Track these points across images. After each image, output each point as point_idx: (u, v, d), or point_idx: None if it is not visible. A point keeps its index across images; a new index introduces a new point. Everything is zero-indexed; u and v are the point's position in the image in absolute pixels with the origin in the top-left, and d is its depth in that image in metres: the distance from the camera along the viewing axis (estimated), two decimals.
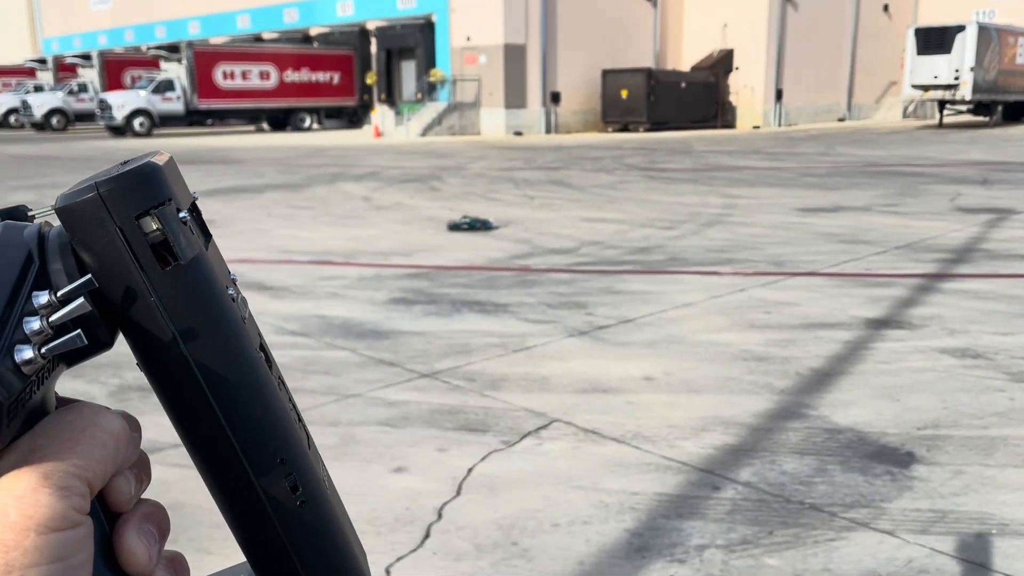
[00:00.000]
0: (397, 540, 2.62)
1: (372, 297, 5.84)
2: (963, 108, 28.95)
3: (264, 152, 21.32)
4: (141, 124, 30.57)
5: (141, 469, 0.38)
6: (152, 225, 0.36)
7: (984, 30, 27.73)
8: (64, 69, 40.19)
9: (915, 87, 28.79)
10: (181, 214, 0.37)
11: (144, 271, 0.36)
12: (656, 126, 30.14)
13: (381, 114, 30.75)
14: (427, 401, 3.83)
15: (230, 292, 0.40)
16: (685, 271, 6.57)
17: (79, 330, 0.35)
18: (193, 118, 32.34)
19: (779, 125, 33.36)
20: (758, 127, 32.59)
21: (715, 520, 2.72)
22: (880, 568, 2.44)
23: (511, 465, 3.16)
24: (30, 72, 44.57)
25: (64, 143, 26.02)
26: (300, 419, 0.43)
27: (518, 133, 29.65)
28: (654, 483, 2.99)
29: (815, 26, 33.81)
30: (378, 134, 29.06)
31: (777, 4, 32.27)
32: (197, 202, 0.40)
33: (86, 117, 34.93)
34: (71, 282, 0.35)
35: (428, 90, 30.73)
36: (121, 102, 30.51)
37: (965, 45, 27.19)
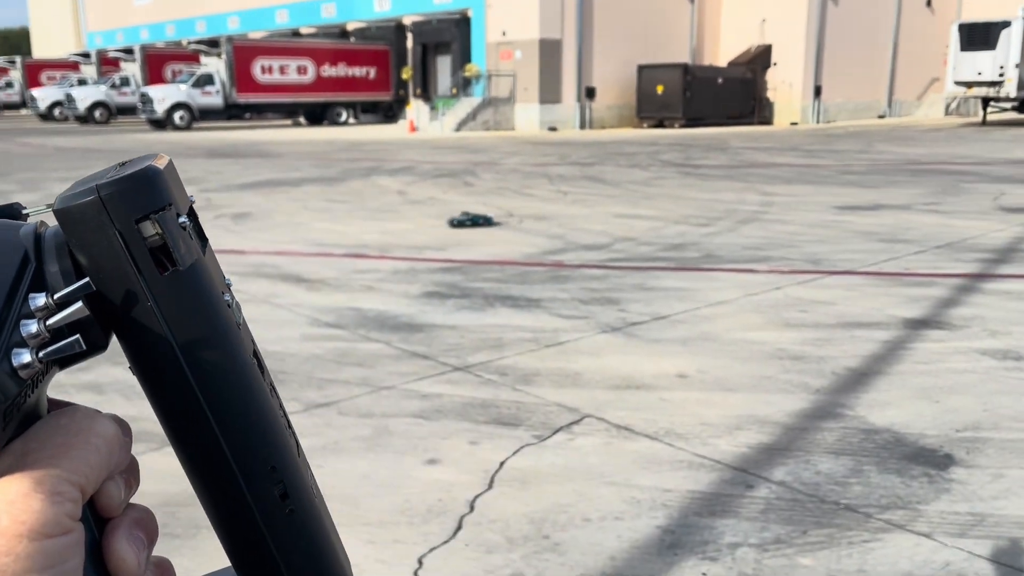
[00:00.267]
0: (430, 531, 2.65)
1: (406, 290, 5.88)
2: (1007, 106, 28.30)
3: (301, 146, 21.52)
4: (181, 117, 31.03)
5: (131, 474, 0.37)
6: (151, 229, 0.36)
7: None
8: (107, 63, 40.96)
9: (958, 84, 28.21)
10: (180, 219, 0.37)
11: (142, 276, 0.36)
12: (692, 122, 29.90)
13: (416, 109, 30.88)
14: (460, 394, 3.85)
15: (226, 298, 0.39)
16: (720, 268, 6.52)
17: (78, 335, 0.35)
18: (232, 112, 32.75)
19: (817, 122, 32.91)
20: (796, 124, 32.18)
21: (748, 519, 2.70)
22: (916, 571, 2.41)
23: (543, 459, 3.17)
24: (74, 66, 45.49)
25: (106, 136, 26.50)
26: (290, 426, 0.43)
27: (552, 128, 29.60)
28: (687, 480, 2.98)
29: (856, 21, 33.28)
30: (413, 129, 29.19)
31: None
32: (194, 206, 0.39)
33: (128, 110, 35.53)
34: (68, 284, 0.35)
35: (463, 85, 30.79)
36: (162, 96, 31.00)
37: (1010, 41, 26.58)
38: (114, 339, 0.38)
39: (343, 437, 3.37)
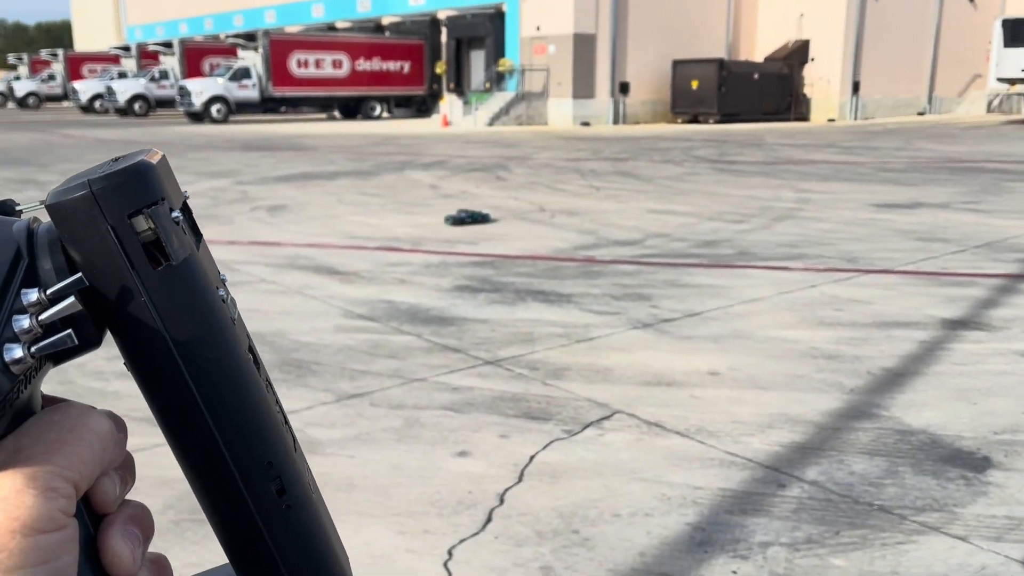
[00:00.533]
0: (460, 522, 2.66)
1: (438, 284, 5.90)
2: None
3: (335, 140, 21.68)
4: (218, 110, 31.41)
5: (126, 470, 0.37)
6: (144, 224, 0.35)
7: None
8: (147, 56, 41.55)
9: (1001, 80, 27.63)
10: (174, 214, 0.37)
11: (135, 270, 0.36)
12: (727, 118, 29.62)
13: (449, 103, 30.94)
14: (490, 388, 3.86)
15: (220, 293, 0.39)
16: (754, 266, 6.46)
17: (70, 330, 0.34)
18: (267, 105, 33.08)
19: (855, 118, 32.43)
20: (833, 120, 31.74)
21: (780, 518, 2.68)
22: (951, 574, 2.37)
23: (573, 454, 3.17)
24: (115, 59, 46.22)
25: (145, 128, 26.92)
26: (287, 422, 0.43)
27: (585, 123, 29.50)
28: (717, 478, 2.96)
29: (896, 16, 32.71)
30: (446, 123, 29.26)
31: None
32: (188, 201, 0.39)
33: (166, 103, 36.05)
34: (60, 280, 0.35)
35: (496, 80, 30.79)
36: (200, 89, 31.40)
37: None
38: (108, 335, 0.38)
39: (375, 428, 3.40)
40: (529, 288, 5.77)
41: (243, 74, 32.10)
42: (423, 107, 36.69)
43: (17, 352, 0.32)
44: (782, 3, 32.67)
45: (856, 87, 32.38)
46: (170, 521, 2.63)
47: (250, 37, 35.06)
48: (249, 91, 32.22)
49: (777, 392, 3.81)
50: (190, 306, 0.37)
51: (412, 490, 2.88)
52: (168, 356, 0.37)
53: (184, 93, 31.51)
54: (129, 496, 0.38)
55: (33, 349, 0.33)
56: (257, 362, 0.41)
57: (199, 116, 31.28)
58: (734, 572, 2.39)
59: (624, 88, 30.24)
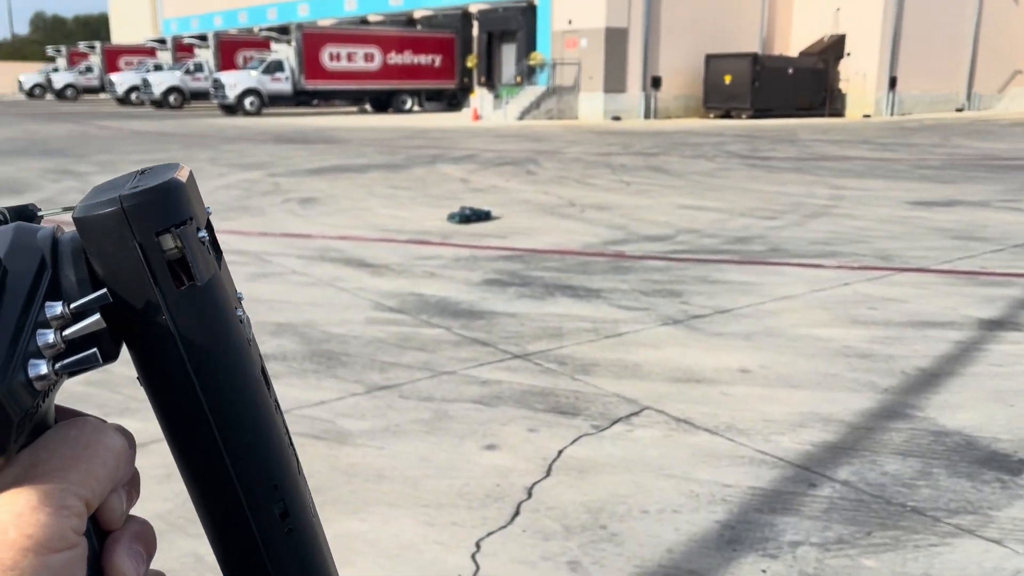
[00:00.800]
0: (487, 515, 2.67)
1: (467, 277, 5.91)
2: None
3: (366, 133, 21.79)
4: (251, 103, 31.70)
5: (132, 486, 0.37)
6: (171, 243, 0.35)
7: None
8: (182, 49, 42.05)
9: None
10: (200, 233, 0.37)
11: (159, 289, 0.36)
12: (760, 113, 29.31)
13: (480, 97, 30.94)
14: (519, 382, 3.87)
15: (239, 313, 0.39)
16: (786, 263, 6.40)
17: (95, 349, 0.34)
18: (300, 98, 33.32)
19: (891, 114, 31.92)
20: (869, 116, 31.28)
21: (810, 517, 2.66)
22: None
23: (601, 450, 3.16)
24: (151, 52, 46.81)
25: (180, 120, 27.25)
26: (291, 443, 0.43)
27: (616, 118, 29.35)
28: (747, 476, 2.94)
29: (935, 10, 32.11)
30: (476, 117, 29.28)
31: None
32: (210, 218, 0.39)
33: (201, 95, 36.44)
34: (83, 293, 0.35)
35: (527, 73, 30.74)
36: (233, 82, 31.70)
37: None
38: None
39: (404, 420, 3.42)
40: (558, 283, 5.76)
41: (276, 67, 32.36)
42: (454, 101, 36.74)
43: (43, 368, 0.32)
44: None
45: (893, 82, 31.86)
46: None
47: (283, 30, 35.34)
48: (282, 84, 32.47)
49: (809, 391, 3.78)
50: (210, 327, 0.37)
51: (440, 482, 2.89)
52: (184, 374, 0.37)
53: (218, 86, 31.84)
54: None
55: (57, 366, 0.33)
56: (268, 383, 0.41)
57: (233, 108, 31.60)
58: (763, 571, 2.37)
59: (656, 82, 30.04)
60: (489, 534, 2.56)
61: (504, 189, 10.75)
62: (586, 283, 5.75)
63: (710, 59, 30.02)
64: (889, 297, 5.37)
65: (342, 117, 31.04)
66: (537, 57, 30.50)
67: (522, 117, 29.12)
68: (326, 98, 34.81)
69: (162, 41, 46.40)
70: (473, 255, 6.69)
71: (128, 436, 0.36)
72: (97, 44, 49.75)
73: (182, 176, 0.37)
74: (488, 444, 3.20)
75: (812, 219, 8.39)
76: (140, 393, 0.38)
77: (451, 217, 8.24)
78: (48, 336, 0.33)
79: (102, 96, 47.80)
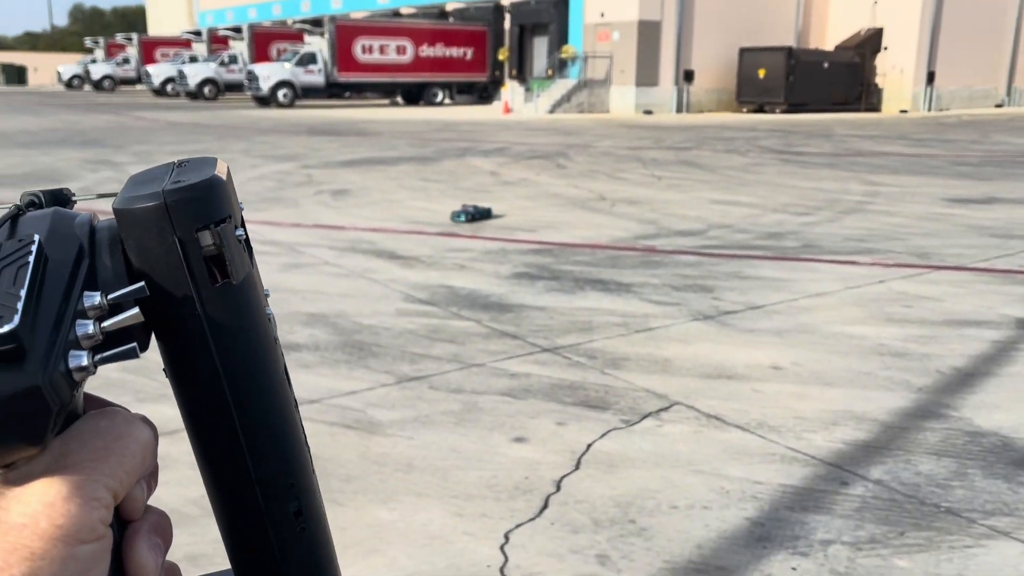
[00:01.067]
0: (516, 507, 2.68)
1: (497, 270, 5.92)
2: None
3: (397, 125, 21.88)
4: (284, 95, 31.96)
5: (152, 476, 0.37)
6: (209, 240, 0.36)
7: None
8: (217, 41, 42.45)
9: None
10: (238, 231, 0.37)
11: (195, 284, 0.36)
12: (794, 107, 28.97)
13: (511, 90, 30.91)
14: (548, 375, 3.87)
15: (268, 311, 0.39)
16: (820, 259, 6.33)
17: (135, 343, 0.34)
18: (332, 90, 33.52)
19: (929, 110, 31.38)
20: (905, 111, 30.78)
21: (842, 516, 2.63)
22: None
23: (630, 444, 3.15)
24: (186, 43, 47.30)
25: (214, 111, 27.54)
26: (306, 442, 0.43)
27: (648, 112, 29.18)
28: (778, 474, 2.92)
29: (975, 4, 31.48)
30: (507, 110, 29.25)
31: None
32: (243, 212, 0.39)
33: (235, 87, 36.80)
34: (119, 284, 0.35)
35: (559, 67, 30.64)
36: (267, 74, 31.98)
37: None
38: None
39: (433, 411, 3.44)
40: (588, 277, 5.75)
41: (309, 59, 32.57)
42: (485, 94, 36.75)
43: (83, 360, 0.32)
44: None
45: (931, 77, 31.31)
46: None
47: (317, 23, 35.53)
48: (315, 76, 32.68)
49: (842, 389, 3.73)
50: (241, 324, 0.38)
51: (470, 473, 2.90)
52: (212, 369, 0.37)
53: (252, 78, 32.13)
54: None
55: (97, 358, 0.33)
56: (288, 382, 0.42)
57: (266, 100, 31.87)
58: (793, 569, 2.36)
59: (688, 76, 29.80)
60: (518, 526, 2.57)
61: (534, 183, 10.73)
62: (616, 277, 5.73)
63: (744, 52, 29.72)
64: (925, 295, 5.29)
65: (374, 110, 31.18)
66: (569, 50, 30.40)
67: (553, 110, 29.05)
68: (358, 90, 34.99)
69: (197, 33, 46.85)
70: (503, 248, 6.69)
71: (153, 428, 0.37)
72: (134, 36, 50.39)
73: (221, 172, 0.37)
74: (517, 436, 3.21)
75: (846, 215, 8.28)
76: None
77: (456, 216, 7.80)
78: (88, 327, 0.33)
79: (138, 87, 48.46)
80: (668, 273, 5.86)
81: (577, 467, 2.96)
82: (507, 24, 34.54)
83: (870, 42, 31.38)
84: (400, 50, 34.37)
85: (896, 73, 31.31)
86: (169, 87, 39.78)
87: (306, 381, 3.74)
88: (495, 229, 7.50)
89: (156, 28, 62.07)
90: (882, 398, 3.61)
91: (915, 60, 30.86)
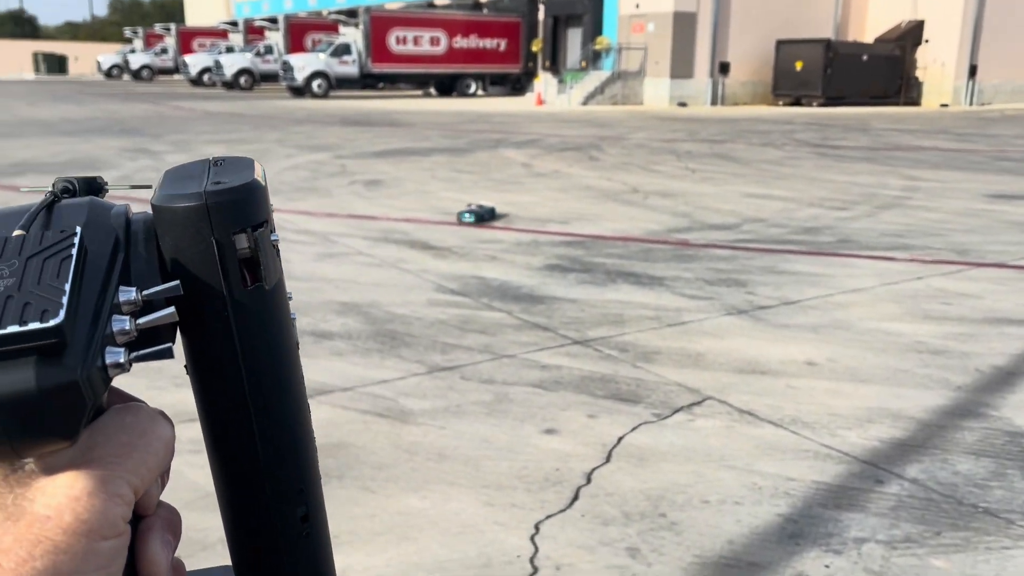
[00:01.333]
0: (546, 498, 2.68)
1: (528, 262, 5.92)
2: None
3: (430, 116, 21.92)
4: (319, 86, 32.15)
5: (165, 472, 0.37)
6: (245, 242, 0.36)
7: None
8: (253, 32, 42.84)
9: None
10: (273, 236, 0.37)
11: (227, 286, 0.36)
12: (831, 101, 28.54)
13: (544, 82, 30.81)
14: (579, 367, 3.86)
15: (292, 315, 0.39)
16: (856, 255, 6.24)
17: (170, 344, 0.34)
18: (366, 81, 33.66)
19: (970, 104, 30.73)
20: (946, 105, 30.18)
21: (877, 514, 2.60)
22: None
23: (662, 438, 3.14)
24: (223, 34, 47.80)
25: (250, 101, 27.81)
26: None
27: (682, 104, 28.93)
28: (812, 471, 2.89)
29: None
30: (540, 102, 29.18)
31: None
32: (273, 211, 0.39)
33: (270, 78, 37.11)
34: (151, 278, 0.35)
35: (592, 58, 30.48)
36: (302, 64, 32.19)
37: None
38: None
39: (465, 401, 3.45)
40: (620, 269, 5.73)
41: (344, 50, 32.73)
42: (518, 85, 36.67)
43: (120, 357, 0.32)
44: None
45: (973, 71, 30.64)
46: None
47: (351, 13, 35.69)
48: (349, 67, 32.84)
49: (878, 386, 3.68)
50: (268, 328, 0.38)
51: (500, 464, 2.91)
52: (235, 371, 0.37)
53: (287, 68, 32.36)
54: None
55: (132, 356, 0.33)
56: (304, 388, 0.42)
57: (301, 91, 32.09)
58: (827, 566, 2.33)
59: (724, 68, 29.48)
60: (548, 517, 2.57)
61: (567, 174, 10.70)
62: (649, 270, 5.70)
63: (781, 44, 29.32)
64: (964, 292, 5.19)
65: (407, 100, 31.27)
66: (603, 42, 30.21)
67: (586, 102, 28.92)
68: (391, 81, 35.10)
69: (234, 23, 47.33)
70: (535, 240, 6.68)
71: (172, 425, 0.37)
72: (172, 26, 50.97)
73: (259, 176, 0.37)
74: (548, 428, 3.21)
75: (884, 210, 8.16)
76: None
77: (464, 216, 7.33)
78: (124, 323, 0.33)
79: (176, 77, 49.02)
80: (701, 267, 5.81)
81: (608, 460, 2.96)
82: (541, 15, 34.41)
83: (911, 35, 30.79)
84: (434, 41, 34.41)
85: (937, 66, 30.69)
86: (206, 77, 40.20)
87: (339, 369, 3.78)
88: (527, 221, 7.49)
89: (194, 18, 62.75)
90: (919, 396, 3.56)
91: (957, 53, 30.21)
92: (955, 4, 29.83)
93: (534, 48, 34.76)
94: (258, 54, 37.89)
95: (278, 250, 0.39)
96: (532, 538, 2.46)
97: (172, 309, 0.34)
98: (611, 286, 5.29)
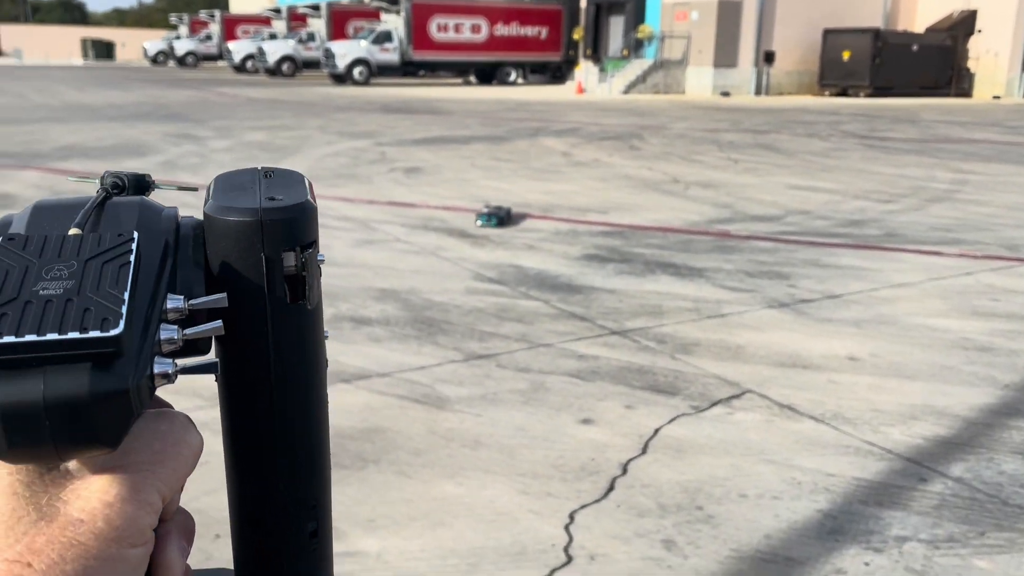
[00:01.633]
0: (582, 488, 2.67)
1: (566, 252, 5.90)
2: None
3: (470, 104, 21.92)
4: (360, 73, 32.32)
5: None
6: (292, 260, 0.36)
7: None
8: (296, 19, 43.13)
9: None
10: (320, 257, 0.37)
11: (270, 301, 0.36)
12: (879, 91, 27.95)
13: (585, 70, 30.61)
14: (616, 358, 3.84)
15: (326, 333, 0.40)
16: (903, 249, 6.11)
17: (217, 360, 0.34)
18: (407, 69, 33.75)
19: None
20: (999, 97, 29.38)
21: (919, 513, 2.55)
22: None
23: (699, 430, 3.11)
24: (266, 21, 48.22)
25: (292, 88, 28.06)
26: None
27: (725, 94, 28.55)
28: (852, 467, 2.84)
29: None
30: (580, 90, 29.01)
31: None
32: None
33: (312, 65, 37.36)
34: (196, 287, 0.35)
35: (634, 47, 30.20)
36: (344, 51, 32.37)
37: None
38: None
39: (501, 389, 3.45)
40: (659, 260, 5.68)
41: (385, 37, 32.83)
42: (558, 74, 36.50)
43: (169, 368, 0.32)
44: None
45: None
46: None
47: (393, 1, 35.77)
48: (390, 55, 32.94)
49: (922, 382, 3.61)
50: (304, 347, 0.38)
51: (536, 452, 2.91)
52: (266, 386, 0.38)
53: (329, 55, 32.55)
54: None
55: (179, 367, 0.33)
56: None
57: (342, 78, 32.28)
58: (866, 564, 2.29)
59: (769, 57, 29.00)
60: (583, 507, 2.57)
61: (606, 164, 10.63)
62: (689, 261, 5.64)
63: (828, 34, 28.77)
64: (1014, 289, 5.06)
65: (447, 88, 31.30)
66: (645, 30, 29.92)
67: (627, 91, 28.69)
68: (432, 69, 35.15)
69: (277, 11, 47.64)
70: (573, 229, 6.66)
71: (200, 434, 0.37)
72: (217, 13, 51.57)
73: (310, 194, 0.38)
74: (584, 418, 3.20)
75: (932, 204, 7.97)
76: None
77: (483, 219, 6.67)
78: (172, 332, 0.33)
79: (220, 64, 49.63)
80: (742, 259, 5.74)
81: (644, 451, 2.94)
82: (583, 3, 34.15)
83: (963, 24, 29.99)
84: (475, 29, 34.36)
85: (990, 57, 29.87)
86: (249, 64, 40.62)
87: (376, 355, 3.80)
88: (566, 210, 7.46)
89: (237, 6, 63.39)
90: (965, 393, 3.48)
91: (1011, 44, 29.36)
92: None
93: (575, 36, 34.53)
94: (300, 41, 38.16)
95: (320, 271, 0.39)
96: (567, 527, 2.46)
97: (219, 323, 0.34)
98: (650, 277, 5.25)
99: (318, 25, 38.61)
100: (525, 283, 5.06)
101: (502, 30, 34.85)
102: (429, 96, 25.41)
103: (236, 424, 0.39)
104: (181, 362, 0.34)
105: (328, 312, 4.33)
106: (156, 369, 0.31)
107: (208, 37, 50.66)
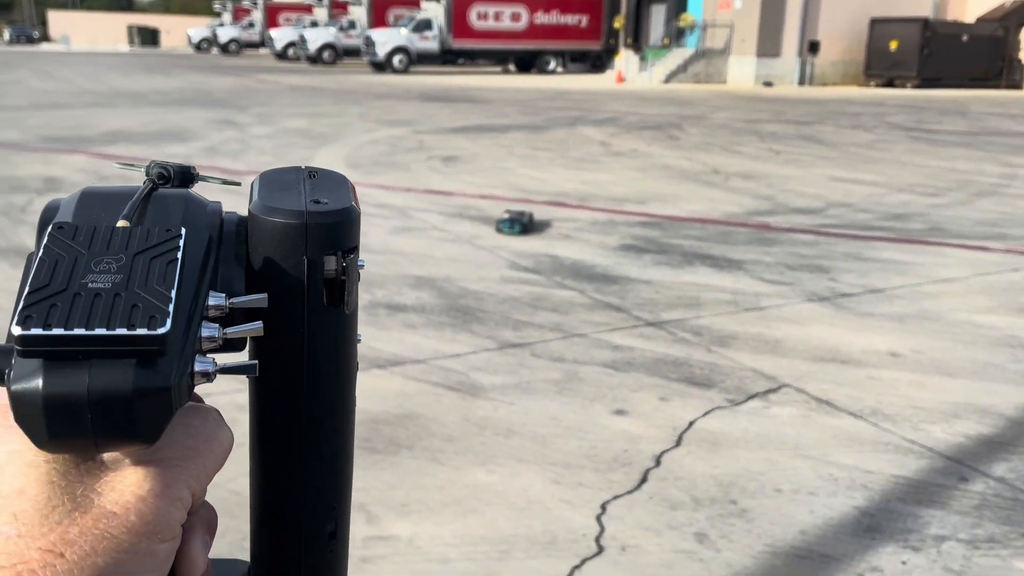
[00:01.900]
0: (614, 479, 2.66)
1: (603, 241, 5.87)
2: None
3: (509, 93, 21.87)
4: (400, 61, 32.42)
5: None
6: (332, 264, 0.36)
7: None
8: (337, 7, 43.40)
9: None
10: (360, 263, 0.37)
11: (309, 304, 0.36)
12: (927, 82, 27.31)
13: (625, 59, 30.36)
14: (651, 349, 3.81)
15: (359, 336, 0.39)
16: (948, 243, 5.98)
17: (256, 362, 0.35)
18: (446, 57, 33.77)
19: None
20: None
21: (959, 512, 2.50)
22: None
23: (735, 424, 3.08)
24: (308, 8, 48.59)
25: (332, 76, 28.25)
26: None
27: (768, 84, 28.12)
28: (891, 464, 2.79)
29: None
30: (620, 79, 28.79)
31: None
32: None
33: (352, 52, 37.57)
34: (236, 284, 0.35)
35: (676, 35, 29.87)
36: (384, 39, 32.48)
37: None
38: None
39: (535, 378, 3.45)
40: (697, 252, 5.62)
41: (425, 25, 32.88)
42: (598, 62, 36.24)
43: (209, 367, 0.32)
44: None
45: None
46: None
47: None
48: (429, 43, 32.99)
49: (965, 380, 3.53)
50: (338, 351, 0.38)
51: (569, 442, 2.90)
52: (296, 387, 0.38)
53: (369, 43, 32.70)
54: None
55: (219, 367, 0.33)
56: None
57: (382, 66, 32.41)
58: (903, 562, 2.26)
59: (813, 47, 28.48)
60: (615, 497, 2.56)
61: (645, 154, 10.55)
62: (727, 253, 5.58)
63: (875, 23, 28.15)
64: None
65: (486, 77, 31.26)
66: (687, 18, 29.56)
67: (668, 80, 28.40)
68: (471, 57, 35.12)
69: None
70: (611, 219, 6.62)
71: (231, 431, 0.37)
72: (259, 1, 52.03)
73: (354, 197, 0.38)
74: (618, 409, 3.19)
75: (980, 198, 7.79)
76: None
77: (504, 226, 6.06)
78: (214, 331, 0.33)
79: (262, 51, 50.08)
80: (782, 251, 5.66)
81: (678, 443, 2.92)
82: None
83: (1015, 15, 29.16)
84: (515, 17, 34.25)
85: None
86: (290, 51, 40.96)
87: (411, 341, 3.82)
88: (604, 200, 7.42)
89: None
90: (1010, 392, 3.40)
91: None
92: None
93: (616, 25, 34.24)
94: (341, 29, 38.37)
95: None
96: (598, 518, 2.45)
97: (259, 324, 0.34)
98: (687, 268, 5.20)
99: (359, 13, 38.79)
100: (560, 273, 5.05)
101: (542, 18, 34.69)
102: (468, 84, 25.41)
103: (265, 421, 0.40)
104: (221, 361, 0.34)
105: (364, 299, 4.36)
106: (197, 367, 0.32)
107: (251, 24, 51.17)
